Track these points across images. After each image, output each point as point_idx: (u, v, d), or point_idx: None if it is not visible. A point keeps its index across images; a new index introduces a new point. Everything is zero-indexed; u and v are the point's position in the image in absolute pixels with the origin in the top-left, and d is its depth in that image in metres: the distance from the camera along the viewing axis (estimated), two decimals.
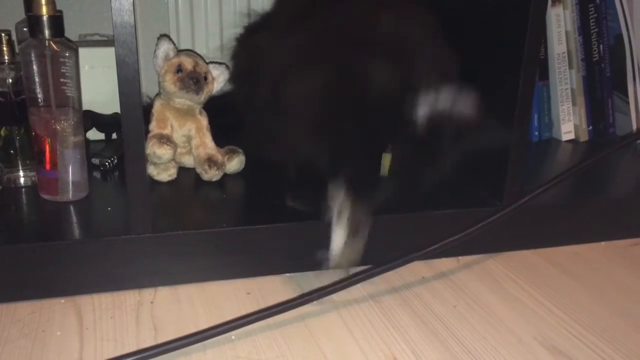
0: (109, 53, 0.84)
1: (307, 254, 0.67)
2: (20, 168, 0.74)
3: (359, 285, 0.66)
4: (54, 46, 0.67)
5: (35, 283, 0.62)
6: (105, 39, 0.95)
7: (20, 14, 0.89)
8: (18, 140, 0.74)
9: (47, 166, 0.70)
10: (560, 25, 0.97)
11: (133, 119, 0.61)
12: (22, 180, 0.75)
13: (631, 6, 0.98)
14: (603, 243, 0.80)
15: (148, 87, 0.91)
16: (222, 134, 0.83)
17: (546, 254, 0.76)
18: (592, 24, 0.98)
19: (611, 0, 0.97)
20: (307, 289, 0.63)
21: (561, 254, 0.76)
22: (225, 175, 0.81)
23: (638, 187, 0.90)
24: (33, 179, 0.74)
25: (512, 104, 0.72)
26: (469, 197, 0.77)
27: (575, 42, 0.98)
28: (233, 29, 0.96)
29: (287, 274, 0.69)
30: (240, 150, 0.83)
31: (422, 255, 0.67)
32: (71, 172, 0.70)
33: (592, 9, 0.98)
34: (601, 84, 1.01)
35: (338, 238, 0.62)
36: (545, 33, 0.97)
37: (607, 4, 0.98)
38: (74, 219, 0.68)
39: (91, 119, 0.88)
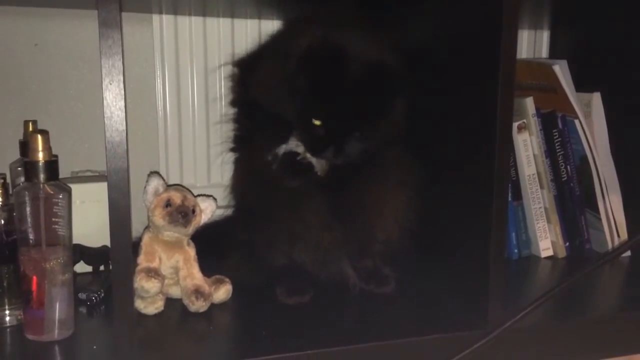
0: (100, 188, 0.87)
1: None
2: (6, 307, 0.74)
3: None
4: (48, 189, 0.69)
5: None
6: (97, 174, 0.98)
7: (14, 154, 0.93)
8: (6, 279, 0.74)
9: (34, 305, 0.70)
10: (528, 150, 1.03)
11: (123, 259, 0.63)
12: (7, 319, 0.74)
13: (592, 130, 1.05)
14: None
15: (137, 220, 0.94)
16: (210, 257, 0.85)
17: None
18: (557, 148, 1.05)
19: (572, 126, 1.04)
20: None
21: None
22: (212, 305, 0.81)
23: (622, 303, 0.91)
24: (19, 317, 0.74)
25: (488, 223, 0.75)
26: (452, 321, 0.78)
27: (544, 164, 1.04)
28: (220, 162, 1.01)
29: None
30: (228, 280, 0.84)
31: None
32: (58, 310, 0.70)
33: (556, 133, 1.05)
34: (572, 203, 1.06)
35: None
36: (515, 156, 1.03)
37: (570, 129, 1.05)
38: None
39: (79, 252, 0.89)
